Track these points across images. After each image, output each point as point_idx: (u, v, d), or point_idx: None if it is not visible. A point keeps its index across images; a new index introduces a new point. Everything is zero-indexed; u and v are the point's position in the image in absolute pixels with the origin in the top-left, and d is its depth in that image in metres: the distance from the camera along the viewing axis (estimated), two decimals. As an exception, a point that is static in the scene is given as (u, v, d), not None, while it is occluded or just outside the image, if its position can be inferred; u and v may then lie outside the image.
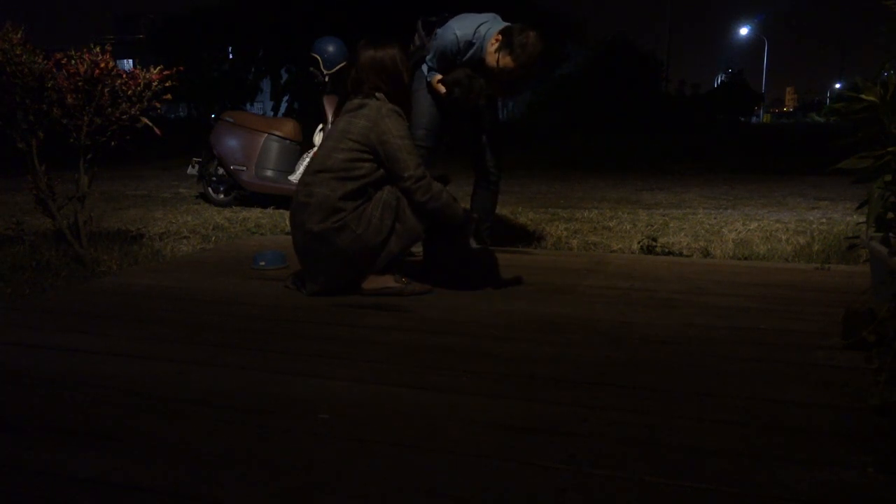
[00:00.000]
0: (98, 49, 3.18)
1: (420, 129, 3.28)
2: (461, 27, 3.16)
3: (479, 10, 3.27)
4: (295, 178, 5.67)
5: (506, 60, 3.05)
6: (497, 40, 3.06)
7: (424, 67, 3.29)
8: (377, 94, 2.64)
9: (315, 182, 2.55)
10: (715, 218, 5.11)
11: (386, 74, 2.65)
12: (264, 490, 1.24)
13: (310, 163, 2.70)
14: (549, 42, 3.21)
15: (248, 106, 19.59)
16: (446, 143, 3.44)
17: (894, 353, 1.64)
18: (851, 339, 1.94)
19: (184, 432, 1.47)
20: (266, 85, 19.20)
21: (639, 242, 3.93)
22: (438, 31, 3.25)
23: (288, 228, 4.51)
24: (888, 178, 1.83)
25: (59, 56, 3.15)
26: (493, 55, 3.07)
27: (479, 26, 3.14)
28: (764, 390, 1.71)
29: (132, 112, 3.25)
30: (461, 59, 3.18)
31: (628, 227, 4.60)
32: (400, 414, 1.56)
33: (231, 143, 5.76)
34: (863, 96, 1.89)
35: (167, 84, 3.32)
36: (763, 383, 1.75)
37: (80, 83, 3.12)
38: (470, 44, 3.15)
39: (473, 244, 2.89)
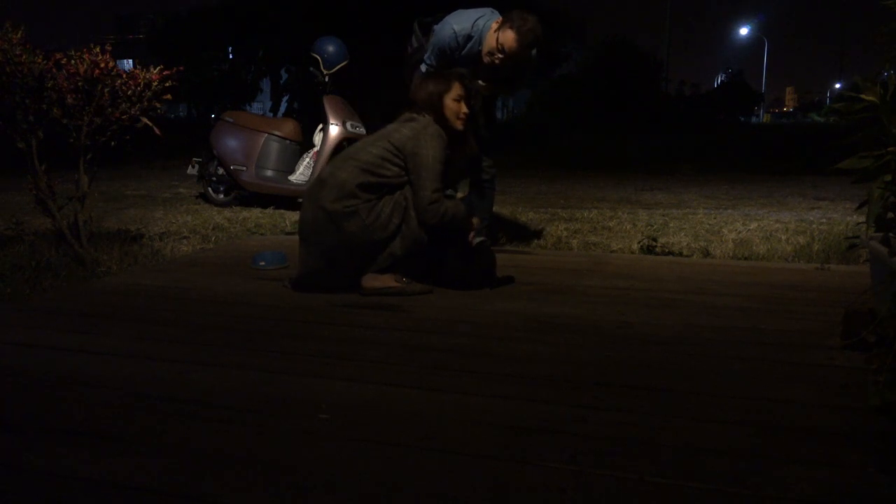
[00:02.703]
0: (98, 49, 3.18)
1: None
2: (458, 22, 3.17)
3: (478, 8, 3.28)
4: (295, 178, 5.67)
5: (506, 37, 3.04)
6: (498, 23, 3.09)
7: (423, 67, 3.29)
8: (427, 114, 2.72)
9: (340, 166, 2.64)
10: (715, 218, 5.11)
11: (431, 105, 2.73)
12: (264, 490, 1.24)
13: (345, 150, 2.82)
14: (548, 35, 3.22)
15: (247, 106, 19.58)
16: None
17: (894, 353, 1.64)
18: (851, 339, 1.94)
19: (184, 432, 1.47)
20: (266, 85, 19.19)
21: (639, 242, 3.93)
22: (436, 27, 3.25)
23: (288, 228, 4.54)
24: (888, 178, 1.83)
25: (59, 56, 3.15)
26: (493, 35, 3.08)
27: (476, 20, 3.15)
28: (764, 390, 1.71)
29: (132, 112, 3.25)
30: (460, 55, 3.19)
31: (628, 227, 4.60)
32: (400, 414, 1.57)
33: (231, 143, 5.76)
34: (863, 96, 1.89)
35: (167, 84, 3.32)
36: (763, 383, 1.75)
37: (80, 83, 3.12)
38: (468, 37, 3.16)
39: (477, 239, 2.90)
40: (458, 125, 2.76)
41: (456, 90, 2.74)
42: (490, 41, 3.10)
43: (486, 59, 3.14)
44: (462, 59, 3.19)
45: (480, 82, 3.15)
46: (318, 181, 2.68)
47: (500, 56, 3.09)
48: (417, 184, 2.61)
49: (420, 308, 2.48)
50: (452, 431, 1.47)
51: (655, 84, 24.68)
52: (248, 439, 1.44)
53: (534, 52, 3.23)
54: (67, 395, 1.67)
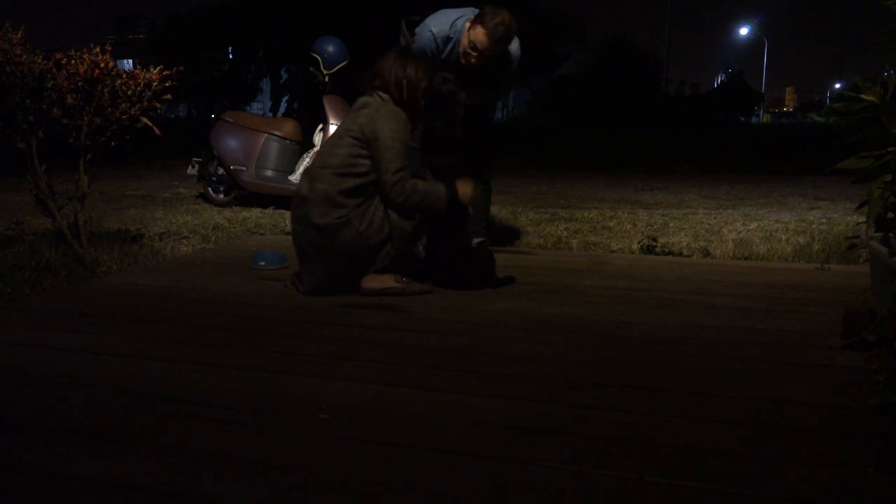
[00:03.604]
0: (98, 49, 3.18)
1: None
2: (436, 24, 3.07)
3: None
4: (295, 178, 5.67)
5: (477, 34, 2.92)
6: (471, 21, 2.98)
7: None
8: (381, 93, 2.65)
9: (317, 177, 2.59)
10: (715, 218, 5.11)
11: (402, 84, 2.65)
12: (264, 490, 1.24)
13: (315, 157, 2.71)
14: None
15: (248, 106, 19.59)
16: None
17: (894, 353, 1.64)
18: (851, 339, 1.94)
19: (184, 432, 1.47)
20: (266, 85, 19.20)
21: (639, 242, 3.93)
22: (416, 30, 3.15)
23: (288, 228, 4.52)
24: (888, 178, 1.83)
25: (59, 56, 3.15)
26: (466, 34, 2.98)
27: (455, 20, 3.05)
28: (764, 390, 1.71)
29: (132, 112, 3.25)
30: (442, 58, 3.06)
31: (628, 227, 4.60)
32: (400, 414, 1.57)
33: (231, 143, 5.76)
34: (863, 96, 1.89)
35: (167, 84, 3.32)
36: (763, 383, 1.75)
37: (80, 83, 3.12)
38: (447, 39, 3.05)
39: (476, 239, 2.88)
40: (420, 112, 2.72)
41: (426, 86, 2.69)
42: (463, 40, 2.99)
43: (463, 61, 3.02)
44: (443, 62, 3.05)
45: (463, 94, 3.04)
46: (299, 199, 2.62)
47: (475, 55, 2.97)
48: (379, 167, 2.55)
49: (420, 308, 2.48)
50: (452, 431, 1.47)
51: (655, 84, 24.71)
52: (248, 439, 1.44)
53: (516, 49, 3.11)
54: (67, 395, 1.67)
